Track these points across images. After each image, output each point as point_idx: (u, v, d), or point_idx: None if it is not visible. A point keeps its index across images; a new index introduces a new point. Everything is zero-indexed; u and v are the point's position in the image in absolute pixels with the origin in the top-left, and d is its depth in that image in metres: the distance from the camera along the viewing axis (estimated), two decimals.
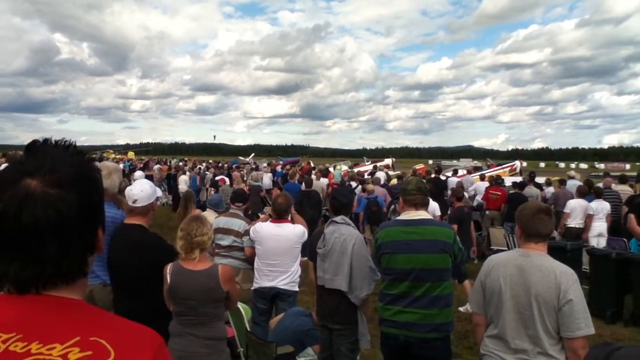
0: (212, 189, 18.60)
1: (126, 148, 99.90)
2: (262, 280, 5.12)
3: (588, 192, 10.76)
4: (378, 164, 27.62)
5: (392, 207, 10.37)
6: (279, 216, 5.14)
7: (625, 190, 11.70)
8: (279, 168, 25.69)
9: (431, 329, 3.49)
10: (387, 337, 3.70)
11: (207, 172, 21.37)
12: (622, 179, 12.56)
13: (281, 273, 5.06)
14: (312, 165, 29.07)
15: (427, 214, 3.70)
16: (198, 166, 27.59)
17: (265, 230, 5.12)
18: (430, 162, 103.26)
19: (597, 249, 8.30)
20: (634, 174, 18.69)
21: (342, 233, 4.08)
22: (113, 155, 55.89)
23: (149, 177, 21.78)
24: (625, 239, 9.54)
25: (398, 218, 3.89)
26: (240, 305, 4.35)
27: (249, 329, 4.61)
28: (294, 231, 5.08)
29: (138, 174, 12.46)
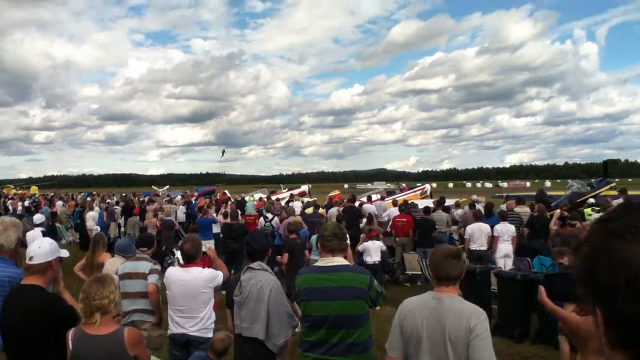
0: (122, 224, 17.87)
1: (29, 182, 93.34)
2: (173, 327, 5.01)
3: (483, 215, 11.41)
4: (294, 192, 27.75)
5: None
6: (186, 261, 5.04)
7: (525, 211, 12.46)
8: (194, 199, 25.08)
9: None
10: None
11: (115, 207, 20.40)
12: (519, 201, 13.29)
13: (190, 319, 4.93)
14: (228, 195, 28.65)
15: (344, 260, 3.69)
16: (107, 200, 26.31)
17: (172, 275, 5.02)
18: (346, 185, 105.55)
19: (504, 272, 8.73)
20: (533, 193, 19.90)
21: (259, 280, 4.02)
22: (14, 191, 52.16)
23: (53, 215, 20.58)
24: (529, 259, 10.11)
25: (315, 264, 3.91)
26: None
27: None
28: (201, 276, 4.93)
29: (37, 217, 11.55)
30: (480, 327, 2.82)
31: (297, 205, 17.01)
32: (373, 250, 10.51)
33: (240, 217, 15.44)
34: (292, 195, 23.71)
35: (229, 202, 20.60)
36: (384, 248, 10.97)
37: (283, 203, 20.69)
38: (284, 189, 34.72)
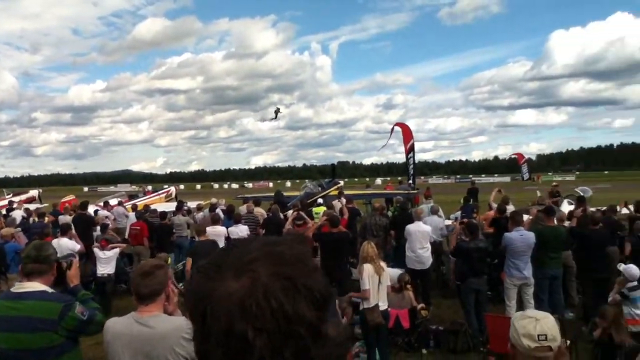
0: None
1: None
2: None
3: (221, 218, 11.60)
4: (18, 199, 24.49)
5: None
6: None
7: (262, 213, 13.14)
8: None
9: None
10: None
11: None
12: (256, 203, 13.99)
13: None
14: None
15: (40, 286, 3.23)
16: None
17: None
18: (86, 189, 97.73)
19: None
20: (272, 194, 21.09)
21: None
22: None
23: None
24: None
25: (11, 289, 3.39)
26: None
27: None
28: None
29: None
30: (190, 332, 2.82)
31: (18, 214, 14.91)
32: (104, 260, 9.86)
33: None
34: (11, 203, 20.57)
35: None
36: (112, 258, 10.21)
37: (4, 211, 18.05)
38: (8, 194, 30.42)
